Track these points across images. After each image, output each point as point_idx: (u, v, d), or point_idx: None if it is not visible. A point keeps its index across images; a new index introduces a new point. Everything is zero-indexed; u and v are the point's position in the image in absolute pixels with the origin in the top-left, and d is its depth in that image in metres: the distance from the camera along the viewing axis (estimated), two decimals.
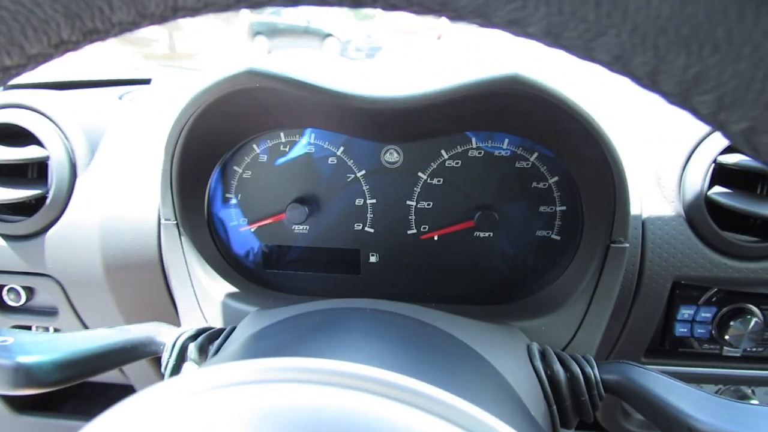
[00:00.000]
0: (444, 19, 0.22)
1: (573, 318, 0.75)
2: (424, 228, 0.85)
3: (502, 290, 0.86)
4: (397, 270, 0.88)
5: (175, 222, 0.79)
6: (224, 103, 0.69)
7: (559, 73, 0.62)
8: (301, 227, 0.87)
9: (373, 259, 0.88)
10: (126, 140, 0.99)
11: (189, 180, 0.79)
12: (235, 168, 0.86)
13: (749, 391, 0.99)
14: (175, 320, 0.95)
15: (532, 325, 0.75)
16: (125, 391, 1.18)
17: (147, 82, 1.51)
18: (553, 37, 0.20)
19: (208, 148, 0.79)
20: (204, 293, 0.81)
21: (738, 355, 0.92)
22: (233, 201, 0.87)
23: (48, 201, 0.91)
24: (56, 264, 0.93)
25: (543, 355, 0.66)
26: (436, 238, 0.85)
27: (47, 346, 0.61)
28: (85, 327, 1.02)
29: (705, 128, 0.83)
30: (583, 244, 0.78)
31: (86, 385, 1.28)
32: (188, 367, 0.69)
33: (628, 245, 0.73)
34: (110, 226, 0.90)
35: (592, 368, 0.63)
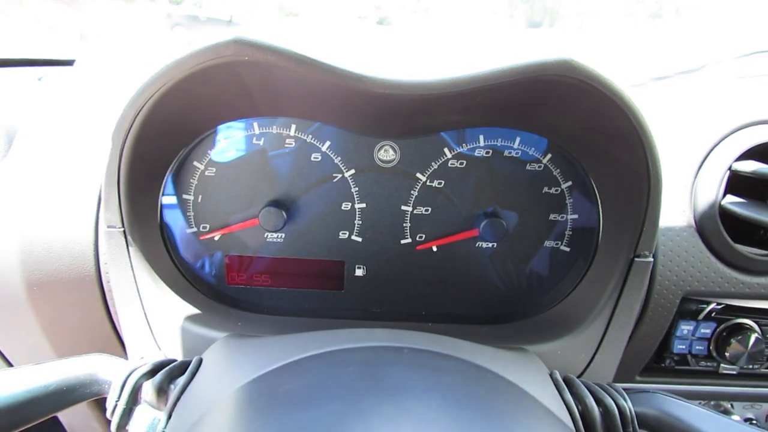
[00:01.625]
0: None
1: (591, 339, 0.67)
2: (421, 237, 0.75)
3: (508, 308, 0.77)
4: (386, 285, 0.77)
5: (121, 229, 0.63)
6: (195, 82, 0.55)
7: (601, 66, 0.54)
8: (275, 235, 0.74)
9: (359, 272, 0.76)
10: (51, 130, 0.81)
11: (140, 178, 0.64)
12: (196, 164, 0.72)
13: (729, 406, 0.97)
14: (117, 349, 0.78)
15: (547, 349, 0.66)
16: None
17: (70, 63, 1.30)
18: None
19: (167, 139, 0.65)
20: (156, 315, 0.66)
21: (734, 372, 0.88)
22: (192, 203, 0.73)
23: None
24: None
25: (567, 384, 0.57)
26: (434, 248, 0.75)
27: None
28: (3, 358, 0.82)
29: (719, 133, 0.78)
30: (600, 257, 0.71)
31: None
32: (142, 411, 0.54)
33: (652, 260, 0.66)
34: (33, 233, 0.72)
35: (625, 401, 0.55)
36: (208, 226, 0.74)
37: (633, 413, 0.54)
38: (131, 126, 0.57)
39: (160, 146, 0.65)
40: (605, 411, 0.54)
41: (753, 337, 0.82)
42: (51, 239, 0.73)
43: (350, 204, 0.73)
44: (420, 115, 0.62)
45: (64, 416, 0.94)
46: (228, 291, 0.76)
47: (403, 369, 0.44)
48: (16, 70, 1.19)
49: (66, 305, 0.77)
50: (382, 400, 0.37)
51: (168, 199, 0.72)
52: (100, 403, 0.89)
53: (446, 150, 0.71)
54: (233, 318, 0.71)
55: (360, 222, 0.74)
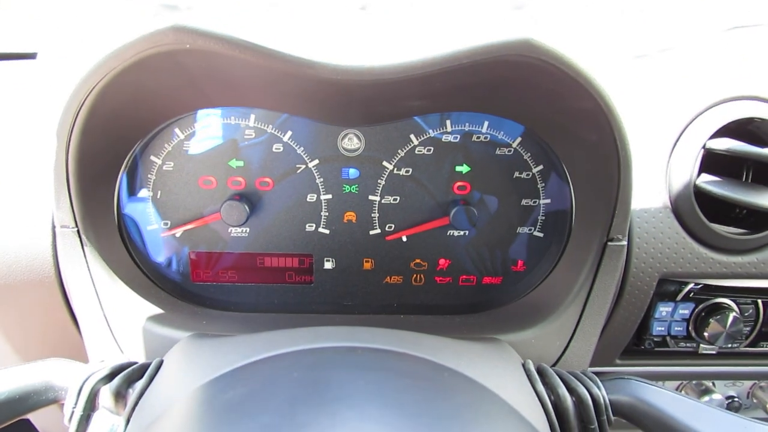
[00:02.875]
0: None
1: (566, 326, 0.66)
2: (390, 227, 0.73)
3: (481, 297, 0.75)
4: (357, 277, 0.75)
5: (74, 228, 0.61)
6: (137, 72, 0.52)
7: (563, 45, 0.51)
8: (240, 230, 0.72)
9: (328, 265, 0.74)
10: (6, 127, 0.78)
11: (92, 175, 0.61)
12: (153, 158, 0.69)
13: (710, 384, 0.96)
14: (82, 351, 0.76)
15: (521, 338, 0.65)
16: None
17: (32, 56, 1.26)
18: None
19: (117, 133, 0.62)
20: (117, 316, 0.63)
21: (713, 352, 0.87)
22: (151, 199, 0.70)
23: None
24: None
25: (540, 374, 0.56)
26: (404, 239, 0.73)
27: None
28: None
29: (692, 112, 0.76)
30: (572, 242, 0.69)
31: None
32: (101, 417, 0.52)
33: (626, 243, 0.64)
34: None
35: (599, 389, 0.54)
36: (169, 222, 0.71)
37: (607, 401, 0.53)
38: (75, 120, 0.55)
39: (110, 141, 0.62)
40: (578, 400, 0.52)
41: (731, 317, 0.82)
42: (6, 241, 0.70)
43: (315, 195, 0.71)
44: (380, 101, 0.59)
45: (36, 418, 0.92)
46: (193, 288, 0.74)
47: (350, 373, 0.42)
48: None
49: (27, 308, 0.74)
50: (318, 411, 0.35)
51: (125, 195, 0.69)
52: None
53: (412, 136, 0.69)
54: (198, 317, 0.69)
55: (326, 214, 0.72)
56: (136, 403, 0.49)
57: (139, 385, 0.51)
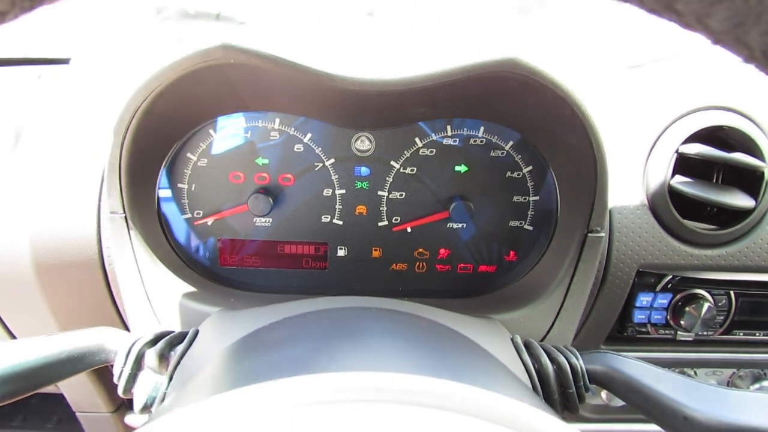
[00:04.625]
0: None
1: (551, 308, 0.75)
2: (396, 220, 0.82)
3: (477, 283, 0.84)
4: (366, 264, 0.84)
5: (123, 215, 0.70)
6: (188, 81, 0.61)
7: (547, 61, 0.60)
8: (263, 219, 0.81)
9: (341, 252, 0.83)
10: (53, 125, 0.88)
11: (139, 168, 0.70)
12: (189, 155, 0.78)
13: (692, 372, 1.04)
14: (117, 324, 0.85)
15: (511, 317, 0.74)
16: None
17: (66, 61, 1.36)
18: None
19: (163, 133, 0.71)
20: (156, 293, 0.72)
21: (690, 339, 0.95)
22: (186, 191, 0.79)
23: None
24: None
25: (527, 346, 0.64)
26: (408, 230, 0.82)
27: None
28: (11, 335, 0.89)
29: (667, 119, 0.85)
30: (558, 234, 0.78)
31: (34, 396, 1.14)
32: (145, 376, 0.61)
33: (604, 234, 0.73)
34: (42, 220, 0.79)
35: (577, 359, 0.62)
36: (201, 212, 0.80)
37: (584, 370, 0.61)
38: (131, 121, 0.64)
39: (156, 139, 0.71)
40: (558, 368, 0.61)
41: (705, 306, 0.90)
42: (58, 226, 0.79)
43: (331, 190, 0.80)
44: (389, 108, 0.69)
45: (68, 392, 1.01)
46: (221, 271, 0.83)
47: (370, 321, 0.51)
48: (15, 69, 1.24)
49: (72, 287, 0.83)
50: (347, 341, 0.44)
51: (164, 187, 0.79)
52: (103, 378, 0.96)
53: (417, 139, 0.78)
54: (226, 296, 0.78)
55: (340, 207, 0.81)
56: (178, 363, 0.58)
57: (180, 348, 0.60)
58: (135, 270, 0.72)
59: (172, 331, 0.64)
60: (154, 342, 0.62)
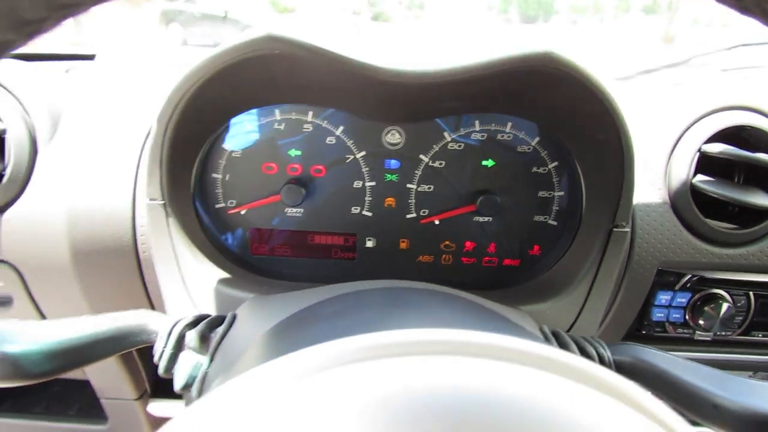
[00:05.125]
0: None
1: (575, 302, 0.76)
2: (424, 212, 0.84)
3: (501, 275, 0.86)
4: (394, 255, 0.85)
5: (162, 202, 0.72)
6: (231, 72, 0.64)
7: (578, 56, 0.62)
8: (295, 210, 0.83)
9: (369, 243, 0.85)
10: (90, 116, 0.91)
11: (178, 157, 0.73)
12: (224, 146, 0.81)
13: None
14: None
15: (537, 309, 0.75)
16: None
17: (91, 57, 1.40)
18: None
19: (202, 123, 0.73)
20: (193, 279, 0.75)
21: (709, 339, 0.96)
22: (221, 181, 0.82)
23: (5, 178, 0.82)
24: (14, 248, 0.83)
25: (555, 336, 0.66)
26: (436, 222, 0.84)
27: (33, 334, 0.54)
28: (43, 318, 0.92)
29: (690, 118, 0.86)
30: (583, 229, 0.79)
31: (57, 384, 1.17)
32: (186, 356, 0.63)
33: (629, 229, 0.75)
34: (79, 208, 0.82)
35: (605, 350, 0.63)
36: (234, 201, 0.83)
37: (611, 360, 0.63)
38: (174, 110, 0.66)
39: (195, 129, 0.73)
40: (587, 358, 0.62)
41: (724, 306, 0.91)
42: (94, 212, 0.82)
43: (361, 182, 0.82)
44: (423, 101, 0.71)
45: (95, 377, 1.03)
46: (252, 260, 0.85)
47: (423, 295, 0.53)
48: (45, 63, 1.28)
49: (105, 272, 0.86)
50: (407, 310, 0.46)
51: (200, 177, 0.81)
52: (129, 364, 0.99)
53: (446, 134, 0.80)
54: (258, 283, 0.80)
55: (370, 198, 0.83)
56: (219, 343, 0.60)
57: (221, 329, 0.62)
58: (172, 256, 0.74)
59: (210, 315, 0.66)
60: (194, 324, 0.64)
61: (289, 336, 0.49)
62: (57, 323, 0.58)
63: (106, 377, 1.02)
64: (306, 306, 0.57)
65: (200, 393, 0.59)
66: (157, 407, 1.10)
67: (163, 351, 0.62)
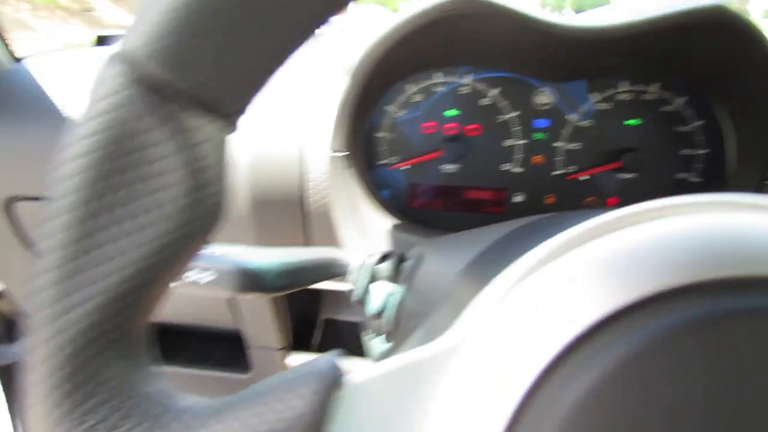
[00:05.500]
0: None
1: None
2: (571, 169, 0.89)
3: None
4: (540, 210, 0.92)
5: (345, 153, 0.81)
6: (421, 33, 0.72)
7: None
8: (450, 166, 0.91)
9: (518, 198, 0.92)
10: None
11: (359, 113, 0.81)
12: (386, 107, 0.89)
13: None
14: None
15: None
16: (236, 340, 1.19)
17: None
18: None
19: (383, 82, 0.82)
20: (368, 222, 0.83)
21: None
22: (386, 139, 0.90)
23: None
24: None
25: None
26: (581, 179, 0.89)
27: (265, 255, 0.63)
28: None
29: None
30: (729, 185, 0.83)
31: (194, 336, 1.28)
32: (378, 286, 0.71)
33: None
34: (259, 163, 0.92)
35: None
36: (396, 158, 0.91)
37: None
38: (368, 68, 0.75)
39: (374, 88, 0.82)
40: None
41: None
42: (273, 167, 0.91)
43: (512, 141, 0.89)
44: (583, 60, 0.77)
45: (250, 325, 1.13)
46: (407, 212, 0.93)
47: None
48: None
49: (276, 225, 0.96)
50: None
51: (367, 134, 0.89)
52: (279, 314, 1.08)
53: (593, 94, 0.86)
54: (417, 231, 0.88)
55: (520, 156, 0.90)
56: (412, 274, 0.67)
57: (410, 262, 0.70)
58: (348, 204, 0.83)
59: (393, 253, 0.74)
60: (382, 260, 0.72)
61: (504, 250, 0.55)
62: (276, 251, 0.67)
63: (259, 325, 1.12)
64: (500, 236, 0.63)
65: (396, 319, 0.65)
66: (295, 359, 1.20)
67: (357, 281, 0.70)
